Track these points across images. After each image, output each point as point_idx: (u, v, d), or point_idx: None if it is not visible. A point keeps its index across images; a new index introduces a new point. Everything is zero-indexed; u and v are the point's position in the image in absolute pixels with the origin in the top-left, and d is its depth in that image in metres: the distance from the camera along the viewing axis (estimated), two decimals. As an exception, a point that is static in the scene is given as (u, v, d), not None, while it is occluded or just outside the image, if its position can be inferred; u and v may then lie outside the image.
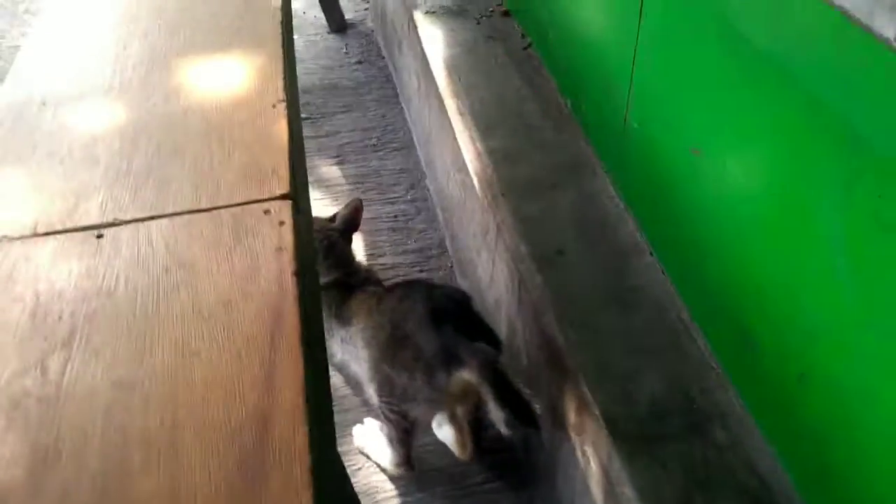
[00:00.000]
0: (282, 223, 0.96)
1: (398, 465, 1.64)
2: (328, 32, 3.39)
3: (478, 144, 2.04)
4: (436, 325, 1.44)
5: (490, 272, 1.94)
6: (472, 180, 2.01)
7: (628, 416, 1.36)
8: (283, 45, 1.30)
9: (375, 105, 2.95)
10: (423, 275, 2.26)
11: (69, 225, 0.99)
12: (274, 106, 1.17)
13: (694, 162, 1.41)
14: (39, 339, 0.83)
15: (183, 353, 0.81)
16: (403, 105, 2.97)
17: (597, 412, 1.38)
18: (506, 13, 2.54)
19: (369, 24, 3.48)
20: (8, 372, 0.80)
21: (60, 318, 0.86)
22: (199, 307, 0.85)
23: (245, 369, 0.79)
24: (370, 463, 1.76)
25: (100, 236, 0.97)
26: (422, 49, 2.50)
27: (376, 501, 1.68)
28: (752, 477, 1.26)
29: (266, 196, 1.00)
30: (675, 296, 1.55)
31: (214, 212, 0.99)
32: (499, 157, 2.00)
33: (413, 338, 1.47)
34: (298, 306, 0.84)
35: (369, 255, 2.33)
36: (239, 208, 0.99)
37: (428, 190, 2.57)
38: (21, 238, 0.97)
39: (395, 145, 2.76)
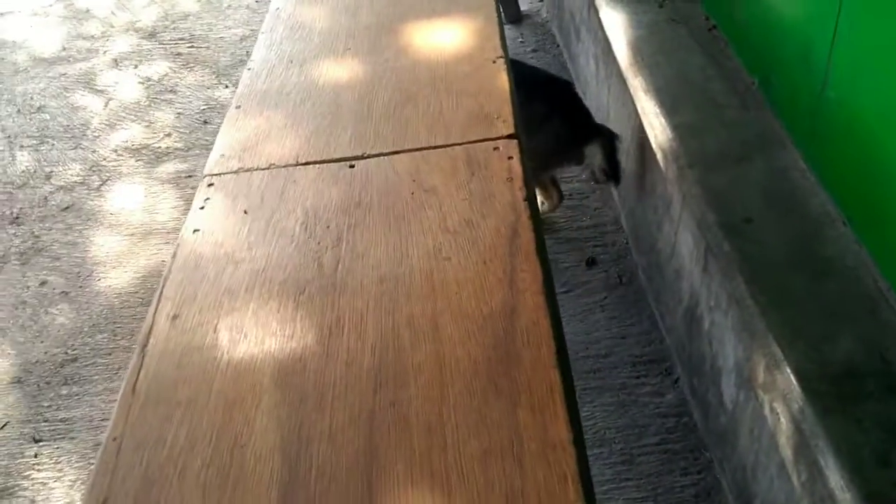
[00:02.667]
0: (510, 158, 1.07)
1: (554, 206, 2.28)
2: (504, 23, 3.51)
3: (662, 120, 2.08)
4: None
5: (672, 243, 1.99)
6: (654, 155, 2.06)
7: (822, 375, 1.38)
8: (497, 10, 1.41)
9: (551, 90, 3.03)
10: (598, 250, 2.33)
11: (325, 157, 1.14)
12: (493, 61, 1.28)
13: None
14: (313, 243, 0.98)
15: (435, 258, 0.93)
16: (578, 90, 3.03)
17: (789, 370, 1.41)
18: (689, -4, 2.56)
19: (544, 14, 3.59)
20: (291, 266, 0.95)
21: (328, 227, 1.00)
22: (445, 224, 0.97)
23: (490, 273, 0.90)
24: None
25: (352, 166, 1.12)
26: (603, 32, 2.56)
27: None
28: (955, 439, 1.24)
29: (494, 136, 1.11)
30: (871, 266, 1.54)
31: (449, 148, 1.11)
32: (684, 132, 2.03)
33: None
34: (531, 226, 0.94)
35: (546, 231, 2.42)
36: (471, 145, 1.10)
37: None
38: (286, 166, 1.13)
39: (569, 128, 2.83)
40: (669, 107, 2.20)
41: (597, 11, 2.72)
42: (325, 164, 1.14)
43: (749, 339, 1.51)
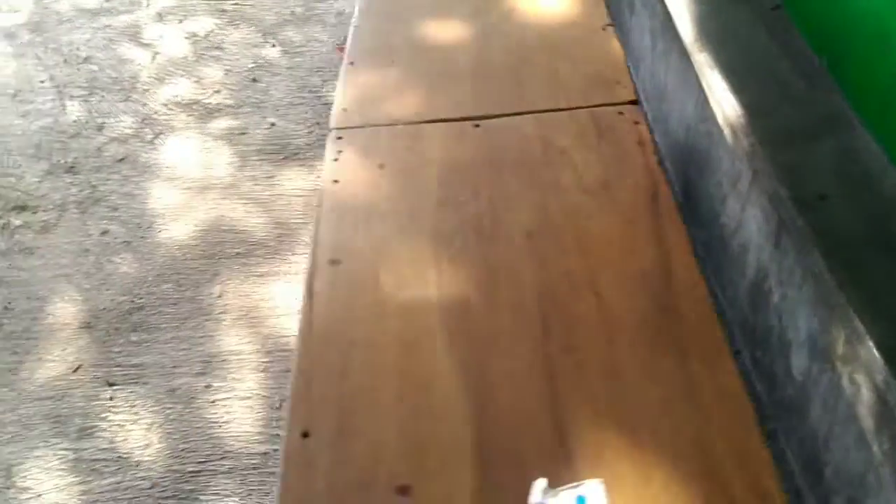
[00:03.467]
0: (636, 122, 1.11)
1: None
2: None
3: (730, 97, 2.11)
4: None
5: (738, 218, 2.02)
6: (721, 131, 2.09)
7: (903, 348, 1.42)
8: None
9: (601, 62, 3.06)
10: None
11: (448, 115, 1.18)
12: (603, 28, 1.32)
13: None
14: (453, 198, 1.02)
15: (579, 216, 0.97)
16: (630, 65, 3.05)
17: (871, 343, 1.45)
18: (753, -26, 2.56)
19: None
20: (437, 218, 1.00)
21: (464, 183, 1.04)
22: (582, 183, 1.02)
23: (637, 231, 0.94)
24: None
25: (476, 125, 1.16)
26: (663, 7, 2.57)
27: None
28: None
29: (616, 101, 1.15)
30: (950, 245, 1.58)
31: (573, 111, 1.15)
32: (752, 109, 2.06)
33: None
34: (669, 188, 0.98)
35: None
36: (595, 109, 1.14)
37: (656, 145, 2.66)
38: (411, 123, 1.17)
39: (621, 101, 2.86)
40: (736, 84, 2.22)
41: (658, -14, 2.73)
42: (450, 123, 1.18)
43: (827, 313, 1.56)
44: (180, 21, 3.64)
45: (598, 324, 0.85)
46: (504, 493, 0.75)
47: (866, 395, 1.47)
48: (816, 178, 1.86)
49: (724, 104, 2.16)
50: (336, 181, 1.09)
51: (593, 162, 1.05)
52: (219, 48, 3.43)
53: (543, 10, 1.37)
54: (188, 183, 2.73)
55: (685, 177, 2.47)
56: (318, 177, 2.71)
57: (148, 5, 3.79)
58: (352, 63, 1.32)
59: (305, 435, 0.81)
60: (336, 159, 1.14)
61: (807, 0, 2.30)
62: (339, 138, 1.17)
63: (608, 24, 1.31)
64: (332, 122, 1.21)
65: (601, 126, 1.11)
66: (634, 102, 1.13)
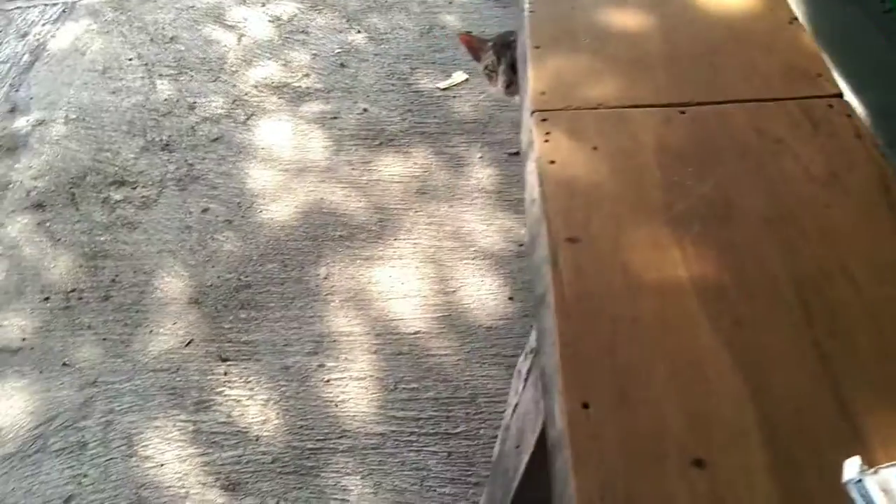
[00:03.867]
0: (848, 115, 1.11)
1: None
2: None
3: (851, 98, 2.10)
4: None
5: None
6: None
7: None
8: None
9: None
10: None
11: (651, 101, 1.19)
12: (790, 22, 1.32)
13: None
14: (676, 182, 1.03)
15: (814, 205, 0.98)
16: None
17: None
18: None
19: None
20: (667, 203, 1.00)
21: (684, 167, 1.05)
22: (809, 173, 1.02)
23: (876, 223, 0.95)
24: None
25: (682, 112, 1.16)
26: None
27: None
28: None
29: (822, 93, 1.15)
30: None
31: (781, 102, 1.15)
32: (874, 111, 2.06)
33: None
34: (897, 180, 0.98)
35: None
36: (803, 101, 1.14)
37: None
38: (615, 108, 1.18)
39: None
40: (856, 86, 2.22)
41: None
42: (655, 109, 1.18)
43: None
44: (263, 4, 3.66)
45: (859, 310, 0.85)
46: (800, 470, 0.75)
47: None
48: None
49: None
50: (552, 161, 1.09)
51: (815, 153, 1.05)
52: (304, 32, 3.45)
53: (726, 2, 1.38)
54: (285, 165, 2.75)
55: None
56: (415, 164, 2.72)
57: (230, -12, 3.81)
58: (537, 47, 1.33)
59: (585, 405, 0.81)
60: (546, 140, 1.14)
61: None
62: (544, 120, 1.17)
63: (793, 18, 1.31)
64: (532, 105, 1.21)
65: (814, 118, 1.11)
66: (839, 96, 1.13)
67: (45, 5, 3.80)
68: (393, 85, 3.12)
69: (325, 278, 2.34)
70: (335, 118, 2.96)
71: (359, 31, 3.45)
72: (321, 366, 2.11)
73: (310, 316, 2.24)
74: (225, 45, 3.42)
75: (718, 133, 1.16)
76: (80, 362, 2.16)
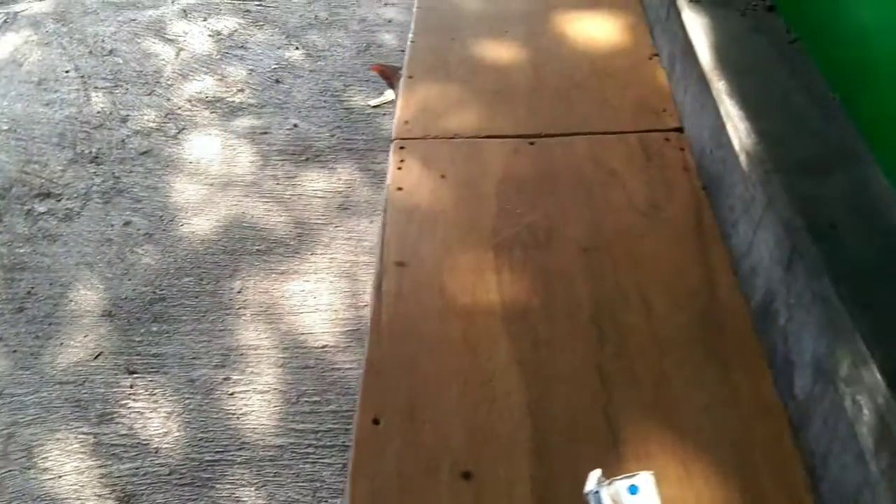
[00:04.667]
0: (682, 149, 1.18)
1: None
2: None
3: (746, 125, 2.19)
4: None
5: (749, 241, 2.10)
6: (736, 157, 2.17)
7: (906, 375, 1.50)
8: (644, 10, 1.52)
9: (617, 84, 3.15)
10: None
11: (506, 132, 1.25)
12: (650, 58, 1.40)
13: None
14: (512, 210, 1.09)
15: (630, 235, 1.04)
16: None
17: (874, 366, 1.53)
18: (770, 8, 2.66)
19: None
20: (497, 228, 1.07)
21: (522, 196, 1.11)
22: (632, 203, 1.09)
23: (684, 251, 1.02)
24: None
25: (532, 143, 1.23)
26: (683, 33, 2.66)
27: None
28: None
29: (663, 127, 1.23)
30: (952, 279, 1.66)
31: (623, 135, 1.22)
32: (767, 138, 2.14)
33: None
34: (713, 211, 1.06)
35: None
36: (644, 134, 1.22)
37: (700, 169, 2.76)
38: (471, 138, 1.24)
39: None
40: (753, 113, 2.31)
41: (678, 12, 2.82)
42: (507, 140, 1.25)
43: (833, 336, 1.64)
44: (205, 19, 3.70)
45: (647, 334, 0.92)
46: (559, 482, 0.82)
47: (867, 416, 1.54)
48: (828, 208, 1.95)
49: (741, 132, 2.24)
50: (400, 188, 1.16)
51: (641, 184, 1.12)
52: (243, 48, 3.50)
53: (594, 37, 1.45)
54: (211, 179, 2.79)
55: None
56: (339, 179, 2.78)
57: (173, 2, 3.86)
58: (411, 77, 1.39)
59: (376, 422, 0.87)
60: (399, 168, 1.21)
61: (821, 36, 2.39)
62: (402, 148, 1.24)
63: (653, 55, 1.39)
64: (395, 133, 1.28)
65: (649, 151, 1.18)
66: (680, 130, 1.20)
67: (-13, 16, 3.82)
68: (325, 101, 3.17)
69: (239, 292, 2.38)
70: (265, 133, 3.01)
71: (297, 48, 3.50)
72: (227, 379, 2.14)
73: (220, 329, 2.27)
74: (163, 59, 3.46)
75: (559, 164, 1.23)
76: (-12, 373, 2.18)
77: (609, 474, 0.77)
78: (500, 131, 1.26)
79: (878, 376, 1.55)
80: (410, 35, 1.56)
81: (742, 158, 2.22)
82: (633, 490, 0.74)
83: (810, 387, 1.82)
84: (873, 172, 2.03)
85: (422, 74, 1.42)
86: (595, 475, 0.76)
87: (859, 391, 1.61)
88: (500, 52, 1.46)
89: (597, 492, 0.74)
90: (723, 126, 2.35)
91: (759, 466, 0.80)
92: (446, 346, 0.94)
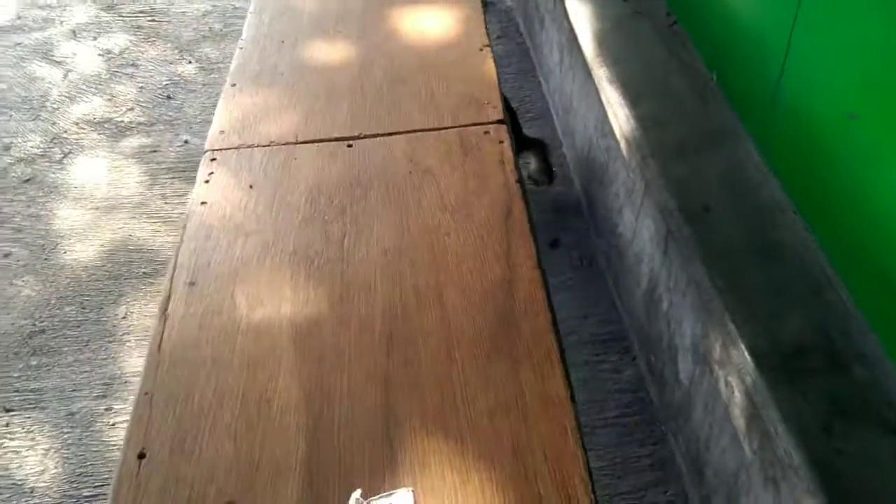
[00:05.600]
0: (501, 142, 1.15)
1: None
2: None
3: (625, 111, 2.18)
4: None
5: (633, 228, 2.09)
6: (618, 143, 2.16)
7: (772, 352, 1.50)
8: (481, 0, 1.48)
9: (513, 78, 3.13)
10: (561, 233, 2.43)
11: (323, 136, 1.20)
12: (481, 49, 1.36)
13: (850, 126, 1.53)
14: (318, 217, 1.04)
15: (436, 234, 1.00)
16: (541, 78, 3.14)
17: (742, 346, 1.53)
18: (651, -9, 2.66)
19: (508, 2, 3.66)
20: (299, 238, 1.02)
21: (332, 202, 1.07)
22: (443, 202, 1.05)
23: (488, 247, 0.98)
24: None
25: (349, 145, 1.18)
26: (568, 23, 2.65)
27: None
28: (892, 411, 1.38)
29: (484, 120, 1.19)
30: (817, 251, 1.67)
31: (443, 131, 1.19)
32: (646, 123, 2.14)
33: None
34: (524, 205, 1.02)
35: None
36: (463, 129, 1.18)
37: (564, 157, 2.74)
38: (286, 144, 1.19)
39: (531, 115, 2.94)
40: (633, 98, 2.30)
41: (563, 2, 2.81)
42: (323, 143, 1.20)
43: (707, 318, 1.62)
44: (95, 38, 3.60)
45: (440, 338, 0.88)
46: (324, 501, 0.77)
47: (738, 397, 1.53)
48: (702, 190, 1.94)
49: (621, 118, 2.23)
50: (204, 203, 1.10)
51: (456, 181, 1.08)
52: (133, 65, 3.40)
53: (425, 31, 1.41)
54: (96, 203, 2.69)
55: (589, 188, 2.54)
56: (230, 194, 2.70)
57: (62, 23, 3.74)
58: (233, 85, 1.33)
59: (141, 456, 0.81)
60: (207, 181, 1.15)
61: (698, 17, 2.39)
62: (213, 160, 1.18)
63: (485, 45, 1.35)
64: (207, 144, 1.22)
65: (467, 145, 1.14)
66: (501, 122, 1.16)
67: None
68: (218, 115, 3.08)
69: (124, 318, 2.30)
70: (154, 151, 2.92)
71: (190, 62, 3.41)
72: (108, 409, 2.06)
73: (103, 358, 2.19)
74: (49, 82, 3.34)
75: (375, 165, 1.18)
76: None
77: (380, 491, 0.73)
78: (318, 135, 1.21)
79: (747, 356, 1.54)
80: (240, 41, 1.50)
81: (623, 145, 2.21)
82: (391, 509, 0.70)
83: (692, 371, 1.80)
84: (746, 151, 2.03)
85: (246, 82, 1.36)
86: (354, 496, 0.71)
87: (731, 372, 1.60)
88: (330, 53, 1.41)
89: (355, 511, 0.70)
90: (605, 113, 2.34)
91: (539, 470, 0.77)
92: (225, 368, 0.89)
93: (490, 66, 1.30)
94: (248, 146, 1.21)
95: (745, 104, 2.08)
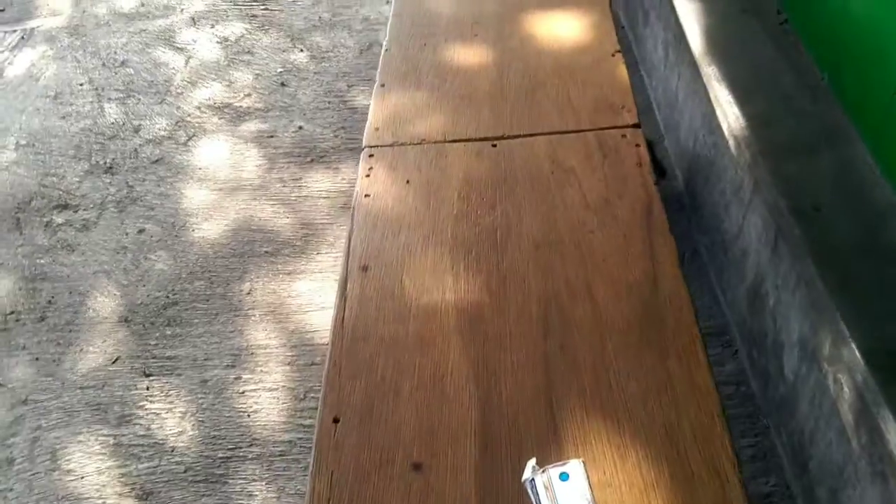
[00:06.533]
0: (637, 145, 1.23)
1: None
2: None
3: (734, 109, 2.22)
4: None
5: (739, 225, 2.14)
6: (726, 141, 2.21)
7: (885, 351, 1.55)
8: (610, 6, 1.56)
9: (616, 70, 3.18)
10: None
11: (469, 135, 1.31)
12: (612, 55, 1.44)
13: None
14: (472, 211, 1.15)
15: (581, 231, 1.10)
16: (644, 73, 3.18)
17: (854, 345, 1.58)
18: (762, -12, 2.67)
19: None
20: (456, 230, 1.13)
21: (483, 198, 1.17)
22: (586, 201, 1.15)
23: (631, 246, 1.07)
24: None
25: (494, 145, 1.29)
26: (675, 19, 2.69)
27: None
28: None
29: (621, 124, 1.28)
30: (932, 255, 1.70)
31: (581, 133, 1.28)
32: (755, 121, 2.18)
33: None
34: (663, 204, 1.11)
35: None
36: (601, 132, 1.27)
37: (666, 150, 2.79)
38: (436, 142, 1.30)
39: (634, 108, 2.99)
40: (742, 97, 2.34)
41: (671, -2, 2.84)
42: (470, 143, 1.31)
43: (816, 317, 1.68)
44: (212, 26, 3.79)
45: (591, 327, 0.98)
46: (502, 470, 0.88)
47: (847, 394, 1.59)
48: (813, 190, 1.98)
49: (730, 116, 2.28)
50: (367, 195, 1.22)
51: (597, 181, 1.18)
52: (249, 52, 3.58)
53: (559, 36, 1.50)
54: (219, 184, 2.88)
55: (692, 183, 2.59)
56: (343, 178, 2.85)
57: (182, 10, 3.95)
58: (383, 85, 1.46)
59: (336, 420, 0.94)
60: (368, 175, 1.27)
61: (810, 16, 2.41)
62: (371, 156, 1.30)
63: (617, 51, 1.43)
64: (365, 141, 1.35)
65: (606, 148, 1.23)
66: (637, 126, 1.25)
67: (5, 32, 3.95)
68: (329, 102, 3.24)
69: (249, 293, 2.47)
70: (271, 136, 3.09)
71: (301, 50, 3.58)
72: (238, 378, 2.24)
73: (231, 331, 2.37)
74: (173, 68, 3.55)
75: (519, 164, 1.28)
76: (13, 382, 2.30)
77: (548, 461, 0.83)
78: (464, 135, 1.32)
79: (858, 355, 1.60)
80: (384, 43, 1.62)
81: (731, 143, 2.26)
82: (563, 477, 0.80)
83: (797, 367, 1.86)
84: (859, 152, 2.06)
85: (393, 82, 1.48)
86: (531, 464, 0.82)
87: (840, 370, 1.66)
88: (469, 56, 1.52)
89: (532, 479, 0.80)
90: (713, 111, 2.38)
91: (689, 450, 0.86)
92: (402, 346, 1.01)
93: (622, 71, 1.38)
94: (402, 143, 1.33)
95: (859, 105, 2.10)
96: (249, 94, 3.31)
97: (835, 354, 1.62)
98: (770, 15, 2.65)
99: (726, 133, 2.22)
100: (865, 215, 1.84)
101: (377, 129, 1.37)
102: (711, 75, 2.44)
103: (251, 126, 3.14)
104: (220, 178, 2.90)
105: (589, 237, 1.10)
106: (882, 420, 1.45)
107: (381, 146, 1.33)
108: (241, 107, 3.25)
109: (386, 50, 1.58)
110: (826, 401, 1.67)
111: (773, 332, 1.97)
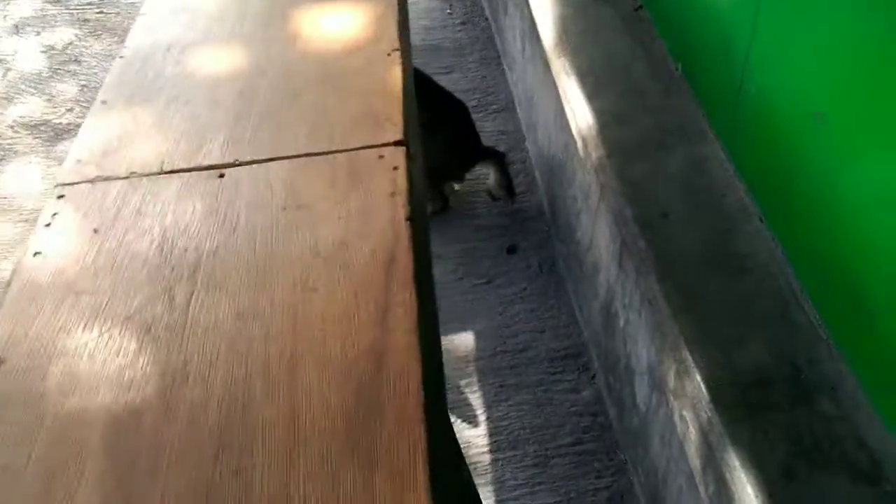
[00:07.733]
0: (395, 168, 0.97)
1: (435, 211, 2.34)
2: (430, -6, 3.38)
3: (584, 105, 2.00)
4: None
5: (590, 235, 1.92)
6: (575, 142, 1.98)
7: (731, 383, 1.33)
8: (399, -3, 1.30)
9: (476, 66, 2.94)
10: (520, 237, 2.26)
11: (193, 164, 1.03)
12: (388, 54, 1.18)
13: (816, 127, 1.35)
14: (167, 269, 0.87)
15: (302, 289, 0.83)
16: (506, 67, 2.95)
17: (698, 377, 1.36)
18: (616, -27, 2.46)
19: (472, -16, 3.46)
20: (138, 299, 0.84)
21: (186, 250, 0.89)
22: (317, 247, 0.88)
23: (361, 307, 0.81)
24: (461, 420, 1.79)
25: (221, 175, 1.01)
26: (529, 9, 2.46)
27: (469, 456, 1.70)
28: (861, 451, 1.21)
29: (380, 142, 1.01)
30: (784, 263, 1.50)
31: (330, 155, 1.01)
32: (606, 118, 1.96)
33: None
34: (411, 250, 0.85)
35: (466, 215, 2.34)
36: (354, 153, 1.00)
37: (527, 152, 2.56)
38: (148, 175, 1.01)
39: (495, 107, 2.75)
40: (592, 91, 2.12)
41: (523, -14, 2.61)
42: (191, 173, 1.02)
43: (661, 342, 1.46)
44: (38, 33, 3.40)
45: (283, 434, 0.71)
46: None
47: (693, 434, 1.37)
48: (661, 194, 1.76)
49: (579, 113, 2.05)
50: (38, 253, 0.92)
51: (336, 219, 0.91)
52: (76, 62, 3.21)
53: (331, 35, 1.22)
54: (25, 215, 2.51)
55: (550, 187, 2.36)
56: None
57: (5, 17, 3.54)
58: (104, 102, 1.15)
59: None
60: (49, 224, 0.97)
61: (663, 2, 2.20)
62: (61, 197, 1.00)
63: (394, 50, 1.16)
64: (58, 178, 1.04)
65: (357, 174, 0.97)
66: (400, 143, 0.99)
67: None
68: (162, 114, 2.90)
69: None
70: (92, 156, 2.73)
71: (136, 57, 3.21)
72: None
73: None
74: (-12, 80, 3.16)
75: (246, 200, 1.00)
76: None
77: None
78: (187, 163, 1.03)
79: (703, 388, 1.38)
80: (122, 49, 1.32)
81: (579, 143, 2.02)
82: None
83: (649, 397, 1.63)
84: (712, 149, 1.85)
85: (119, 98, 1.18)
86: None
87: (685, 405, 1.43)
88: (220, 61, 1.23)
89: None
90: (562, 108, 2.15)
91: None
92: (18, 480, 0.72)
93: (395, 75, 1.12)
94: (104, 178, 1.03)
95: (711, 99, 1.90)
96: (72, 109, 2.95)
97: (679, 387, 1.40)
98: (625, 2, 2.44)
99: (575, 132, 1.99)
100: (715, 221, 1.63)
101: (79, 160, 1.07)
102: (561, 69, 2.21)
103: (69, 145, 2.77)
104: (26, 209, 2.54)
105: (309, 299, 0.83)
106: (727, 468, 1.23)
107: (78, 183, 1.03)
108: (60, 123, 2.88)
109: (121, 57, 1.27)
110: (675, 439, 1.44)
111: (624, 356, 1.75)
